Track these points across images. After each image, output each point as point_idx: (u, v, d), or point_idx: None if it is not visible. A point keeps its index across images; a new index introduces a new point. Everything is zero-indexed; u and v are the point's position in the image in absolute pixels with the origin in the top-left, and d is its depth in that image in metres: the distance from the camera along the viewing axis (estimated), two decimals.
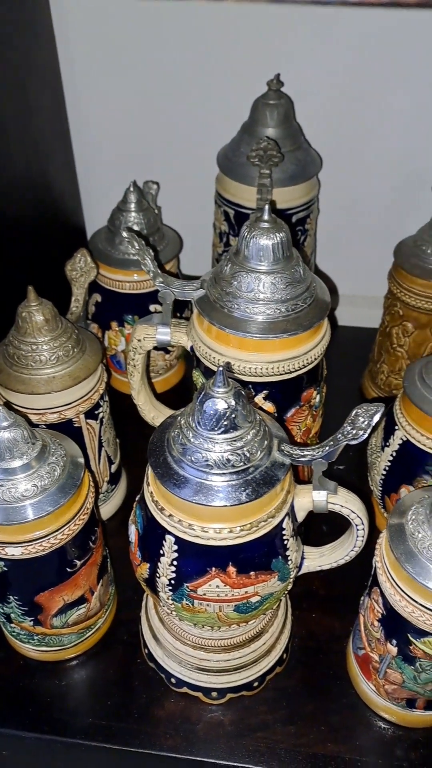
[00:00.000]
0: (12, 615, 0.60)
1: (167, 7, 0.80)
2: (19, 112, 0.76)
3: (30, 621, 0.60)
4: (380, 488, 0.71)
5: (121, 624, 0.68)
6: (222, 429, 0.48)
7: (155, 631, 0.63)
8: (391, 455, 0.68)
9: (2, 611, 0.60)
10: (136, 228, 0.79)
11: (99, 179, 0.96)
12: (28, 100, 0.78)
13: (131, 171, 0.92)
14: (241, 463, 0.49)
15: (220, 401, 0.48)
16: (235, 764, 0.59)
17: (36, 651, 0.64)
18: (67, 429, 0.66)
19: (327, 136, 0.85)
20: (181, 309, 0.86)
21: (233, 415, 0.48)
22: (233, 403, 0.48)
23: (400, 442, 0.66)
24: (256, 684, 0.62)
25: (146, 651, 0.64)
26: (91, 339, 0.68)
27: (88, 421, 0.68)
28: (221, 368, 0.48)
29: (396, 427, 0.67)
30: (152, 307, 0.82)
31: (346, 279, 1.01)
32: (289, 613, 0.67)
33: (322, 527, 0.76)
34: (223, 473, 0.48)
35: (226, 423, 0.48)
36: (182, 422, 0.50)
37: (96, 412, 0.68)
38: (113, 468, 0.75)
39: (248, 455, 0.49)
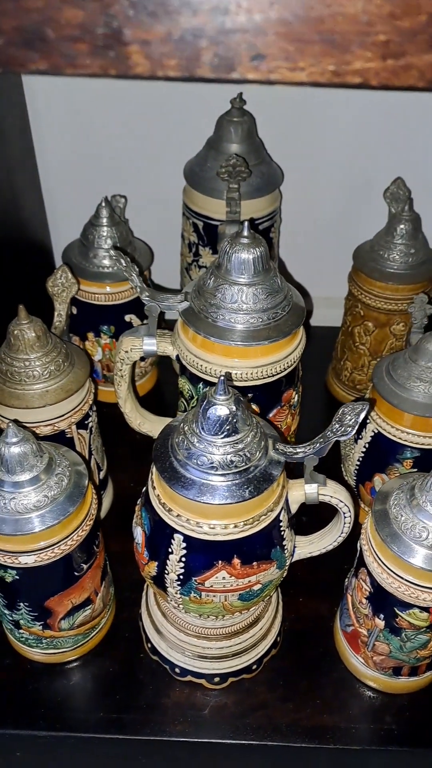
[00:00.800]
0: (21, 621, 0.63)
1: None
2: None
3: (39, 626, 0.63)
4: (354, 478, 0.76)
5: (121, 622, 0.71)
6: (225, 433, 0.52)
7: (158, 625, 0.67)
8: (364, 447, 0.73)
9: (11, 618, 0.63)
10: (109, 242, 0.82)
11: (64, 194, 0.99)
12: (1, 119, 0.80)
13: (94, 185, 0.95)
14: (243, 464, 0.53)
15: (223, 408, 0.52)
16: (242, 742, 0.64)
17: (43, 654, 0.67)
18: (60, 440, 0.69)
19: (285, 150, 0.90)
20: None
21: (234, 420, 0.52)
22: (234, 408, 0.52)
23: (372, 434, 0.72)
24: (254, 667, 0.67)
25: (149, 645, 0.68)
26: (79, 352, 0.71)
27: (79, 431, 0.71)
28: (222, 378, 0.52)
29: (367, 421, 0.72)
30: (127, 317, 0.85)
31: (307, 282, 1.06)
32: (280, 600, 0.72)
33: (302, 518, 0.81)
34: (227, 473, 0.53)
35: (228, 427, 0.52)
36: (185, 428, 0.54)
37: (86, 422, 0.72)
38: (101, 474, 0.79)
39: (249, 456, 0.53)
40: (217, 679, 0.66)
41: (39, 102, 0.91)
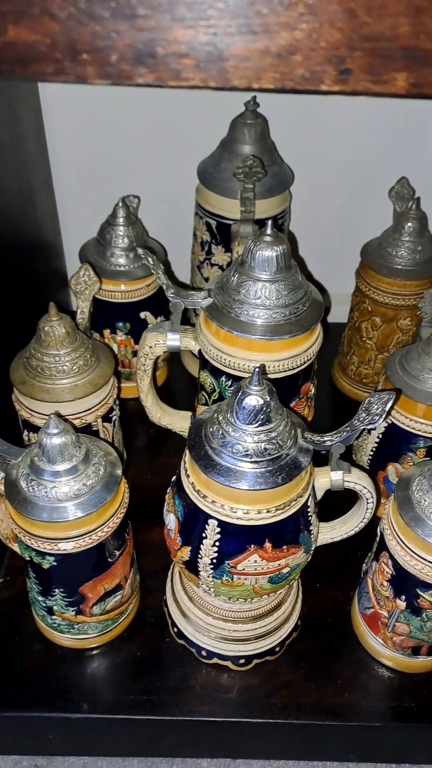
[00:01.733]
0: (55, 607, 0.65)
1: None
2: (12, 137, 0.80)
3: (72, 611, 0.65)
4: (367, 468, 0.79)
5: (145, 609, 0.74)
6: (259, 422, 0.55)
7: (184, 610, 0.69)
8: (378, 437, 0.76)
9: (44, 605, 0.65)
10: (126, 241, 0.84)
11: (75, 195, 1.01)
12: (18, 124, 0.82)
13: (104, 186, 0.98)
14: (276, 452, 0.55)
15: (257, 398, 0.54)
16: (268, 720, 0.66)
17: (73, 640, 0.69)
18: (86, 432, 0.71)
19: (295, 152, 0.93)
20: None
21: (268, 410, 0.55)
22: (268, 399, 0.55)
23: (386, 425, 0.75)
24: (277, 649, 0.70)
25: (175, 630, 0.70)
26: (104, 348, 0.73)
27: (104, 424, 0.73)
28: (257, 369, 0.55)
29: None
30: (142, 315, 0.88)
31: (314, 279, 1.09)
32: (300, 585, 0.74)
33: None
34: (260, 461, 0.55)
35: (262, 417, 0.55)
36: (220, 418, 0.56)
37: (110, 416, 0.74)
38: (123, 466, 0.81)
39: (280, 444, 0.56)
40: (242, 661, 0.69)
41: (53, 104, 0.93)
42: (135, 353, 0.91)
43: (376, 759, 0.73)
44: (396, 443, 0.75)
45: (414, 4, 0.30)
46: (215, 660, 0.69)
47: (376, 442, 0.76)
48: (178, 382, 1.01)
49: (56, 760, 0.71)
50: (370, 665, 0.71)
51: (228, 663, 0.69)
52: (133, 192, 0.94)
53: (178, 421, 0.77)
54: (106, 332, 0.88)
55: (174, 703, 0.67)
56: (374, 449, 0.77)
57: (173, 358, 1.02)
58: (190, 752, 0.72)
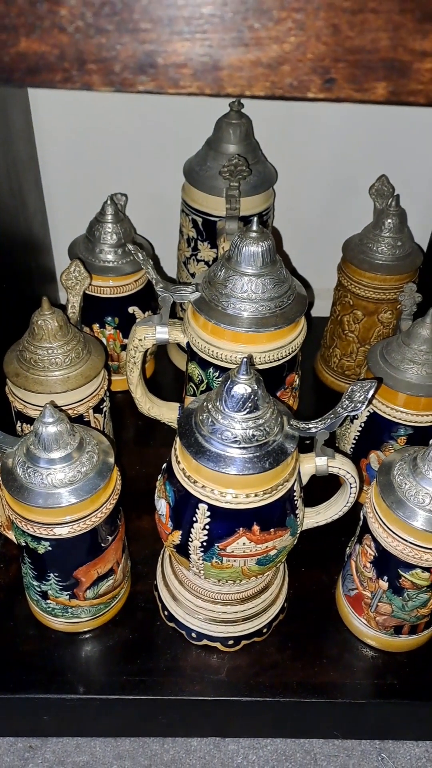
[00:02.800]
0: (49, 591, 0.67)
1: None
2: (4, 139, 0.82)
3: (66, 595, 0.67)
4: (350, 456, 0.82)
5: (136, 594, 0.76)
6: (247, 410, 0.57)
7: (174, 593, 0.72)
8: (360, 426, 0.79)
9: (39, 589, 0.67)
10: (114, 237, 0.87)
11: (64, 194, 1.03)
12: (9, 124, 0.84)
13: (91, 186, 1.00)
14: (263, 438, 0.58)
15: (245, 387, 0.57)
16: (256, 699, 0.69)
17: (66, 624, 0.71)
18: (78, 423, 0.73)
19: (278, 151, 0.96)
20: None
21: (255, 398, 0.57)
22: (255, 387, 0.57)
23: (368, 414, 0.78)
24: (264, 630, 0.72)
25: (165, 613, 0.73)
26: (94, 342, 0.75)
27: (96, 415, 0.75)
28: (245, 359, 0.57)
29: None
30: (130, 309, 0.90)
31: (297, 274, 1.12)
32: (286, 569, 0.77)
33: None
34: (249, 447, 0.57)
35: (249, 405, 0.57)
36: (209, 406, 0.59)
37: (101, 407, 0.76)
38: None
39: (268, 431, 0.58)
40: (231, 642, 0.71)
41: (42, 106, 0.95)
42: (123, 347, 0.93)
43: (361, 735, 0.75)
44: (378, 432, 0.77)
45: (393, 20, 0.33)
46: (205, 641, 0.71)
47: (358, 431, 0.79)
48: (165, 376, 1.03)
49: (50, 741, 0.73)
50: (354, 645, 0.73)
51: (217, 644, 0.71)
52: (121, 191, 0.96)
53: (167, 412, 0.80)
54: (95, 326, 0.91)
55: (165, 684, 0.69)
56: (357, 438, 0.80)
57: (160, 352, 1.05)
58: (181, 732, 0.74)
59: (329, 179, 1.03)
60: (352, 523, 0.73)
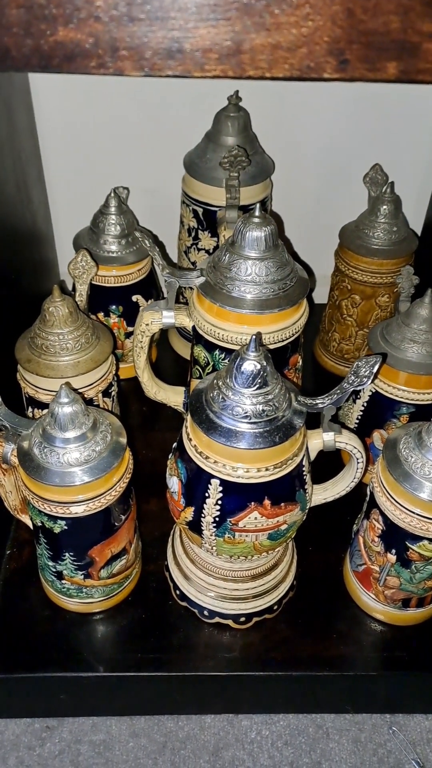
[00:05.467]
0: (64, 571, 0.68)
1: None
2: (8, 134, 0.84)
3: (81, 575, 0.68)
4: None
5: (147, 574, 0.77)
6: (256, 386, 0.59)
7: (186, 572, 0.73)
8: (363, 406, 0.81)
9: (54, 570, 0.69)
10: (118, 228, 0.88)
11: (66, 187, 1.06)
12: (13, 121, 0.86)
13: (93, 179, 1.02)
14: (272, 413, 0.59)
15: (254, 363, 0.58)
16: (269, 673, 0.70)
17: (80, 604, 0.72)
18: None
19: (275, 142, 0.98)
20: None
21: (264, 374, 0.59)
22: (264, 364, 0.59)
23: (370, 393, 0.79)
24: (275, 607, 0.74)
25: (177, 592, 0.74)
26: (102, 328, 0.77)
27: (104, 398, 0.77)
28: (254, 336, 0.59)
29: None
30: (134, 298, 0.92)
31: (299, 260, 1.14)
32: (295, 548, 0.78)
33: None
34: (259, 422, 0.59)
35: (259, 381, 0.59)
36: (220, 383, 0.60)
37: (110, 391, 0.78)
38: None
39: (276, 406, 0.60)
40: (242, 619, 0.73)
41: (44, 102, 0.97)
42: (128, 335, 0.95)
43: (371, 709, 0.77)
44: (380, 411, 0.79)
45: (403, 4, 0.35)
46: (217, 619, 0.73)
47: (361, 411, 0.81)
48: (167, 362, 1.06)
49: (66, 721, 0.75)
50: (363, 620, 0.75)
51: (229, 621, 0.73)
52: (122, 184, 0.98)
53: (172, 396, 0.81)
54: (100, 315, 0.92)
55: (179, 661, 0.71)
56: (360, 417, 0.82)
57: (162, 339, 1.07)
58: (195, 709, 0.76)
59: (325, 169, 1.06)
60: (357, 503, 0.74)
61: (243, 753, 0.73)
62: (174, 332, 1.07)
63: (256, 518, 0.62)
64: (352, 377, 0.62)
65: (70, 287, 0.94)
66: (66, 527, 0.64)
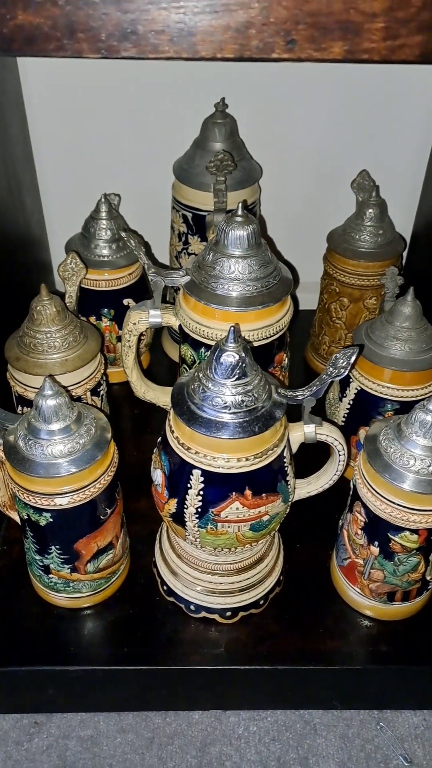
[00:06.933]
0: (51, 565, 0.69)
1: None
2: (2, 141, 0.87)
3: (68, 569, 0.69)
4: None
5: (136, 571, 0.78)
6: (235, 377, 0.60)
7: (173, 567, 0.74)
8: (349, 404, 0.82)
9: (41, 564, 0.70)
10: (109, 233, 0.90)
11: (59, 195, 1.08)
12: (6, 129, 0.88)
13: (86, 186, 1.04)
14: (252, 403, 0.61)
15: (233, 354, 0.60)
16: (255, 667, 0.71)
17: (68, 599, 0.73)
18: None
19: (262, 147, 1.00)
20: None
21: (243, 365, 0.60)
22: (243, 355, 0.60)
23: (356, 391, 0.80)
24: (261, 602, 0.74)
25: (164, 588, 0.75)
26: (90, 327, 0.79)
27: (93, 397, 0.78)
28: (232, 327, 0.60)
29: (350, 380, 0.81)
30: (125, 301, 0.93)
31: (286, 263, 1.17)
32: (281, 542, 0.79)
33: None
34: (238, 412, 0.60)
35: (238, 371, 0.60)
36: (200, 375, 0.62)
37: (98, 390, 0.79)
38: None
39: (256, 396, 0.61)
40: (228, 614, 0.73)
41: (37, 110, 0.99)
42: (119, 338, 0.96)
43: (359, 705, 0.77)
44: (365, 408, 0.80)
45: None
46: (203, 614, 0.73)
47: (347, 409, 0.82)
48: (160, 367, 1.07)
49: (55, 717, 0.75)
50: (349, 615, 0.75)
51: (215, 616, 0.73)
52: (113, 191, 1.00)
53: (161, 396, 0.82)
54: (92, 319, 0.94)
55: (166, 655, 0.71)
56: (346, 415, 0.82)
57: (155, 344, 1.08)
58: (182, 705, 0.76)
59: (312, 176, 1.08)
60: (344, 501, 0.75)
61: (230, 748, 0.73)
62: (167, 337, 1.08)
63: (237, 508, 0.63)
64: (331, 368, 0.63)
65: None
66: (51, 519, 0.65)
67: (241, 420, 0.60)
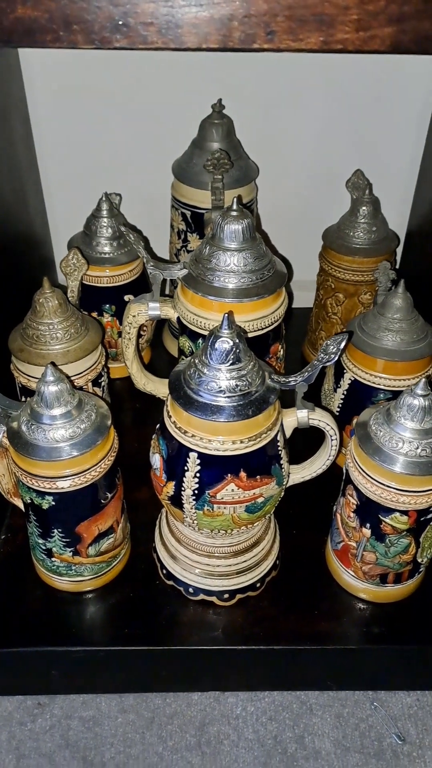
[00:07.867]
0: (54, 549, 0.72)
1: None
2: (6, 144, 0.90)
3: (70, 552, 0.72)
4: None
5: (136, 556, 0.80)
6: (230, 362, 0.62)
7: (172, 551, 0.76)
8: (343, 394, 0.84)
9: (44, 548, 0.72)
10: (110, 231, 0.93)
11: (62, 196, 1.12)
12: (10, 131, 0.91)
13: (88, 187, 1.07)
14: (246, 388, 0.63)
15: (227, 340, 0.62)
16: (252, 647, 0.73)
17: (71, 583, 0.75)
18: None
19: (259, 148, 1.03)
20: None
21: (237, 351, 0.63)
22: (237, 341, 0.62)
23: (349, 382, 0.83)
24: (258, 585, 0.76)
25: (164, 572, 0.77)
26: (91, 320, 0.81)
27: (94, 387, 0.81)
28: (226, 314, 0.62)
29: (344, 371, 0.83)
30: (126, 297, 0.96)
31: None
32: (277, 526, 0.81)
33: None
34: (233, 396, 0.62)
35: (232, 357, 0.62)
36: (196, 361, 0.64)
37: (99, 380, 0.82)
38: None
39: (250, 381, 0.63)
40: (226, 596, 0.75)
41: (40, 114, 1.03)
42: (121, 333, 0.99)
43: (354, 686, 0.79)
44: (359, 398, 0.82)
45: None
46: (201, 596, 0.75)
47: (341, 399, 0.84)
48: (161, 362, 1.10)
49: (58, 698, 0.77)
50: (344, 598, 0.77)
51: (213, 598, 0.75)
52: (115, 191, 1.03)
53: (161, 387, 0.85)
54: (94, 315, 0.96)
55: (165, 636, 0.73)
56: (340, 405, 0.85)
57: (156, 341, 1.11)
58: (182, 687, 0.78)
59: (308, 175, 1.11)
60: (339, 489, 0.77)
61: (228, 728, 0.75)
62: (168, 333, 1.11)
63: (233, 490, 0.65)
64: (322, 354, 0.66)
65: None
66: (54, 503, 0.68)
67: (235, 404, 0.62)
